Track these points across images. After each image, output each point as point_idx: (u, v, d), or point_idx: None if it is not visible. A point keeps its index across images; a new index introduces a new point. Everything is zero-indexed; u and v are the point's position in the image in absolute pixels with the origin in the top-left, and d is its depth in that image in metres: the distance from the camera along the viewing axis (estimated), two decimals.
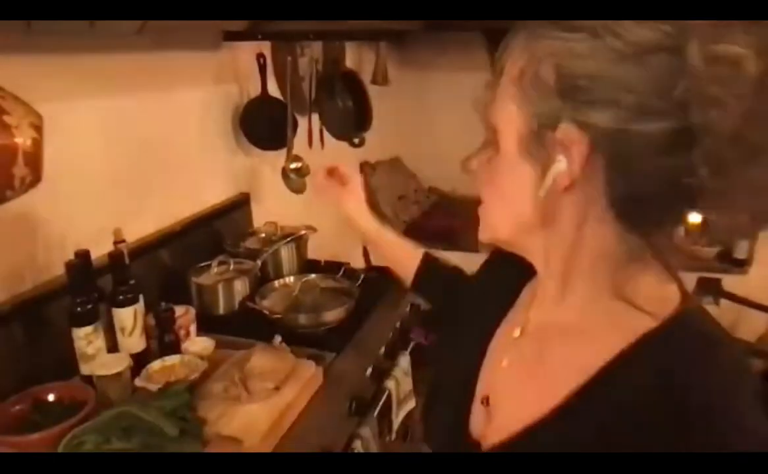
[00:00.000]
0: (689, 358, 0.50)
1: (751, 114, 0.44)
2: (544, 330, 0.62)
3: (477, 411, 0.65)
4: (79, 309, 1.18)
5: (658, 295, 0.54)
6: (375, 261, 1.64)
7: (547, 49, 0.50)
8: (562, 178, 0.51)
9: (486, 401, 0.64)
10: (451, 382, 0.71)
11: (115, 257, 1.27)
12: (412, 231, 2.83)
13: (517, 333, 0.65)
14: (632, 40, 0.45)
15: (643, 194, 0.49)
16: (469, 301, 0.82)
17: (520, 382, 0.62)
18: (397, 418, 1.67)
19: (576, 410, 0.54)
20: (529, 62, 0.51)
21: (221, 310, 1.58)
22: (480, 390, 0.66)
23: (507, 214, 0.59)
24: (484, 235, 0.63)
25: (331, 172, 1.13)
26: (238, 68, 2.00)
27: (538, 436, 0.56)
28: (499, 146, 0.56)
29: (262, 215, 2.13)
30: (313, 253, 1.95)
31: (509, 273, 0.70)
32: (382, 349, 1.62)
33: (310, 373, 1.25)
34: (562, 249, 0.56)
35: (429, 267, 1.05)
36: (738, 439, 0.47)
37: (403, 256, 1.09)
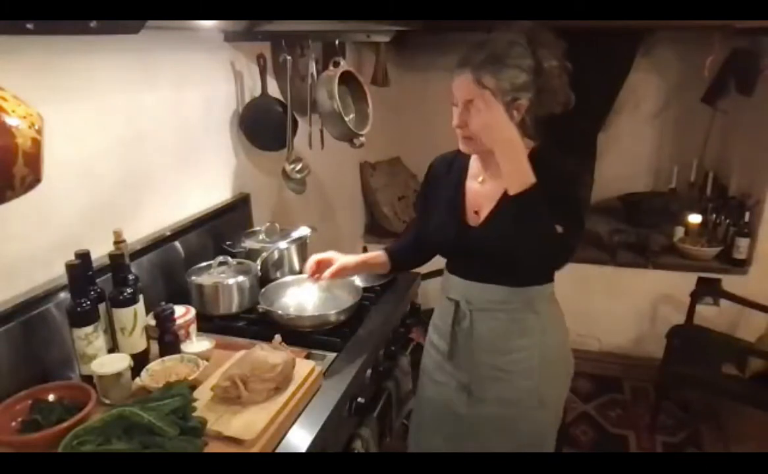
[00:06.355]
0: (545, 154, 1.32)
1: (546, 83, 1.30)
2: (492, 174, 1.39)
3: (471, 217, 1.41)
4: (79, 309, 1.18)
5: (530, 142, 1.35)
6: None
7: (505, 76, 1.27)
8: (520, 114, 1.31)
9: (476, 212, 1.40)
10: (444, 217, 1.45)
11: (115, 257, 1.27)
12: None
13: (480, 180, 1.42)
14: (525, 66, 1.27)
15: (540, 115, 1.34)
16: (432, 196, 1.52)
17: (487, 198, 1.38)
18: (397, 418, 1.67)
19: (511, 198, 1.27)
20: (497, 81, 1.26)
21: (221, 310, 1.58)
22: (470, 207, 1.42)
23: (490, 138, 1.28)
24: (468, 151, 1.39)
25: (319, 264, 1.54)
26: (238, 68, 2.01)
27: (498, 214, 1.35)
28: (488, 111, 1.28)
29: (262, 215, 2.14)
30: (313, 253, 1.95)
31: (449, 166, 1.50)
32: (382, 349, 1.62)
33: (310, 373, 1.25)
34: (512, 139, 1.27)
35: (392, 252, 1.61)
36: (567, 176, 1.32)
37: (376, 261, 1.60)
